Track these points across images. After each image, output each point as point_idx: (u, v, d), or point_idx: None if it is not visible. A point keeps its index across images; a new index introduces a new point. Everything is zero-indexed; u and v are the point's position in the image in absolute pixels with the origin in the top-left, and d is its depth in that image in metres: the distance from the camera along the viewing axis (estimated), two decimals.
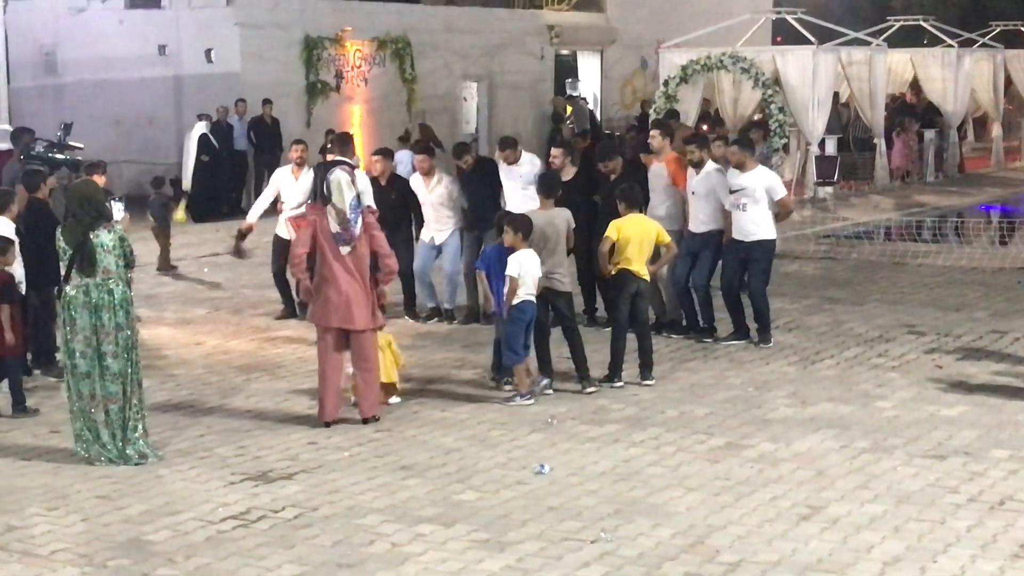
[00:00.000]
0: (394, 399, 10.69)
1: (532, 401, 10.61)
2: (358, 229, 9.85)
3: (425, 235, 14.04)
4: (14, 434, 9.97)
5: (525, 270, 10.61)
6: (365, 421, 9.97)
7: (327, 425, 9.96)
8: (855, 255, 18.39)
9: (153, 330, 13.82)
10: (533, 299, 10.71)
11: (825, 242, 19.34)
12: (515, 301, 10.60)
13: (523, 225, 10.72)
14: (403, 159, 18.80)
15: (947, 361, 11.94)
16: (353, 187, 9.87)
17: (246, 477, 8.81)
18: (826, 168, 23.39)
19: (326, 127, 24.02)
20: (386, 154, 14.20)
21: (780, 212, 12.73)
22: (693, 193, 12.77)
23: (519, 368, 10.67)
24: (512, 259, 10.63)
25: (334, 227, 9.80)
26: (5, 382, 10.62)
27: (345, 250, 9.82)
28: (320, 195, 9.93)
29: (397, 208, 13.63)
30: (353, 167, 10.84)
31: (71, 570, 7.25)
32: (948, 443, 9.40)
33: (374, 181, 13.42)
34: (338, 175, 9.84)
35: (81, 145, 21.35)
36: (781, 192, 12.68)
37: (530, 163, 13.73)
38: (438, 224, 13.93)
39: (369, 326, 9.98)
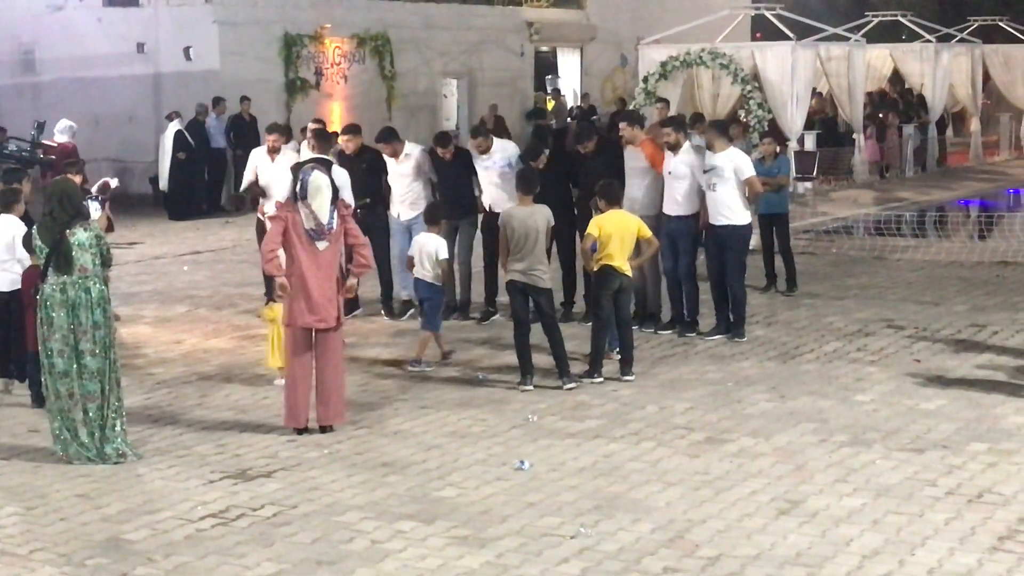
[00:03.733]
0: (279, 381, 10.73)
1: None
2: (335, 225, 9.82)
3: (394, 210, 14.00)
4: None
5: None
6: (323, 429, 9.74)
7: (299, 432, 9.73)
8: (835, 250, 18.45)
9: (132, 328, 13.78)
10: None
11: (804, 237, 19.34)
12: None
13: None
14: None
15: (926, 355, 11.98)
16: (331, 186, 9.85)
17: (225, 475, 8.79)
18: (805, 163, 23.42)
19: (306, 125, 23.89)
20: (355, 131, 14.37)
21: (748, 194, 12.74)
22: (670, 173, 12.76)
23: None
24: None
25: (308, 224, 9.74)
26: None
27: (322, 245, 9.76)
28: (294, 193, 9.87)
29: (368, 182, 13.66)
30: (330, 164, 10.82)
31: (50, 569, 7.22)
32: (927, 436, 9.43)
33: (342, 154, 13.81)
34: (317, 176, 9.78)
35: (55, 143, 21.21)
36: (748, 172, 12.68)
37: (502, 150, 13.69)
38: (408, 199, 13.88)
39: (338, 323, 9.87)
